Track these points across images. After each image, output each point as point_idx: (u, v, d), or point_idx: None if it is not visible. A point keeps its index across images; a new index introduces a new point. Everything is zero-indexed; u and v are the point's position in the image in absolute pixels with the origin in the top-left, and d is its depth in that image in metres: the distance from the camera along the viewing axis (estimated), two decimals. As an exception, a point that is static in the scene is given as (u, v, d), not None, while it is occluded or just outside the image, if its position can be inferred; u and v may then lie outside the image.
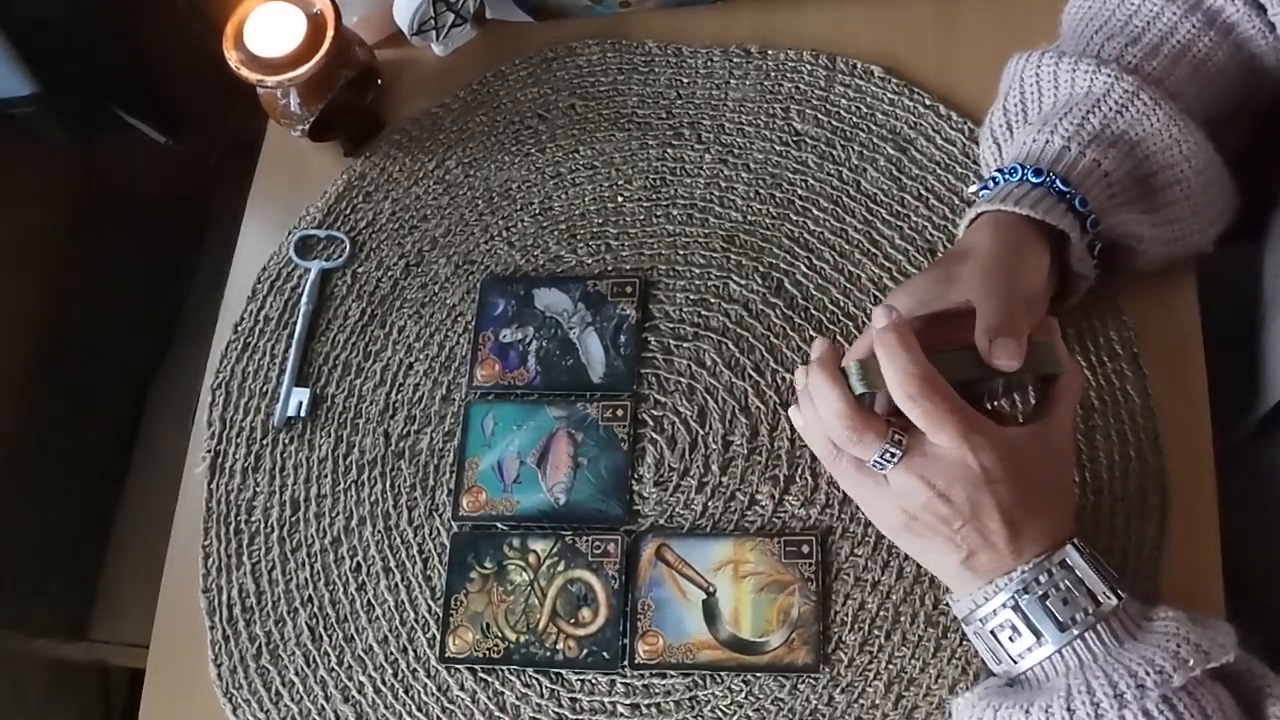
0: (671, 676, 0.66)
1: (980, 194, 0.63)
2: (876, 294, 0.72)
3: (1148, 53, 0.64)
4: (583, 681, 0.66)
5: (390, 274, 0.79)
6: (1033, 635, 0.53)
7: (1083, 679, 0.51)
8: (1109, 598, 0.53)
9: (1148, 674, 0.50)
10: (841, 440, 0.54)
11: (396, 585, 0.70)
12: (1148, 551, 0.64)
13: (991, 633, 0.55)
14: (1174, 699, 0.49)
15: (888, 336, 0.52)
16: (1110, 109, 0.62)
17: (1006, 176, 0.62)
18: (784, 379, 0.71)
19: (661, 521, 0.69)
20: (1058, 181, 0.60)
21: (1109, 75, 0.62)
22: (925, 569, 0.65)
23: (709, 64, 0.82)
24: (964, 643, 0.63)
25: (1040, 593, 0.53)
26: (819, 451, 0.57)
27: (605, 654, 0.66)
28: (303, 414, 0.75)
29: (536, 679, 0.67)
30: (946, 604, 0.64)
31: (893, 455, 0.53)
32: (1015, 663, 0.55)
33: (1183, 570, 0.63)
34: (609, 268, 0.77)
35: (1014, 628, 0.54)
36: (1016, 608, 0.54)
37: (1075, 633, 0.52)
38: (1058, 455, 0.56)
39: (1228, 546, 0.64)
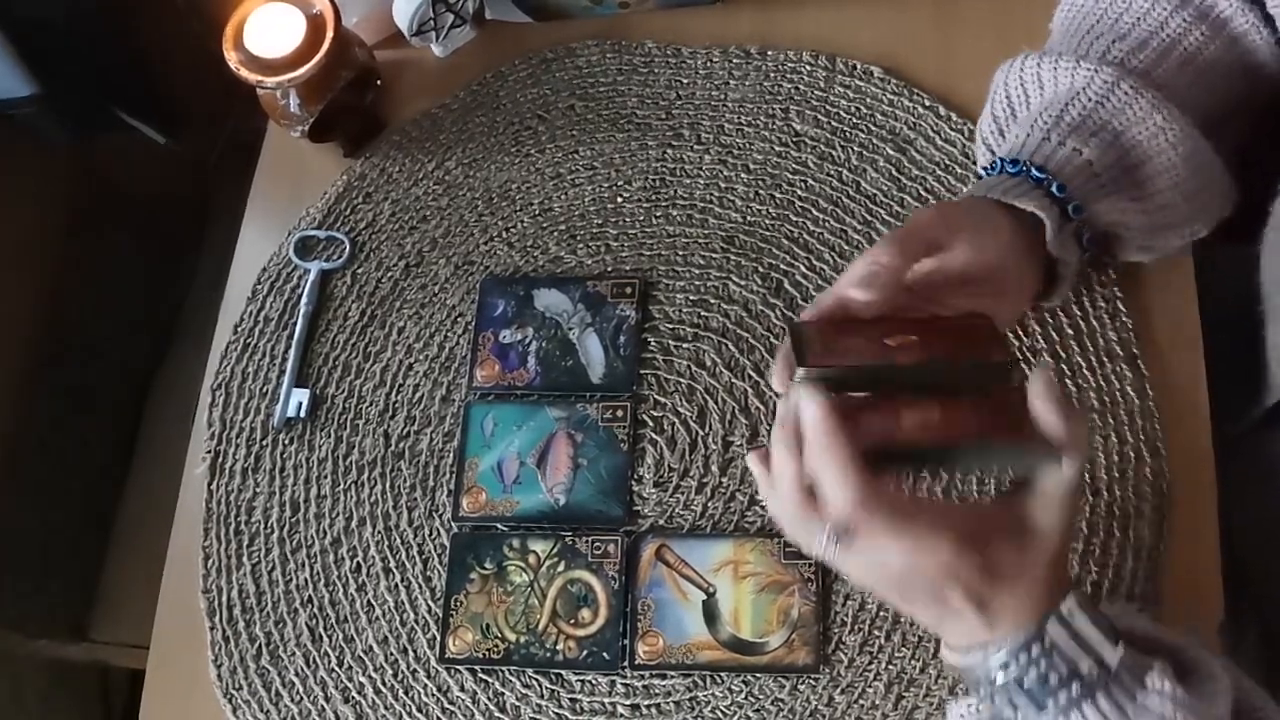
0: (671, 677, 0.66)
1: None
2: (847, 269, 0.71)
3: (1134, 47, 0.65)
4: (583, 682, 0.66)
5: (390, 275, 0.79)
6: (1011, 709, 0.51)
7: None
8: (1093, 672, 0.49)
9: None
10: (787, 516, 0.52)
11: (396, 586, 0.70)
12: (1147, 551, 0.64)
13: (975, 692, 0.52)
14: None
15: (818, 437, 0.49)
16: (1090, 100, 0.62)
17: (989, 172, 0.63)
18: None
19: (661, 522, 0.69)
20: (1034, 170, 0.61)
21: (1089, 69, 0.63)
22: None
23: (708, 65, 0.82)
24: (964, 643, 0.63)
25: (1017, 675, 0.50)
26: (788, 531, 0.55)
27: (605, 654, 0.66)
28: (303, 415, 0.75)
29: (536, 679, 0.67)
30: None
31: (834, 544, 0.50)
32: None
33: (1183, 570, 0.63)
34: (609, 268, 0.77)
35: (994, 698, 0.51)
36: (993, 683, 0.51)
37: (1055, 714, 0.49)
38: (1040, 538, 0.50)
39: (1226, 540, 0.64)
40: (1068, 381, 0.68)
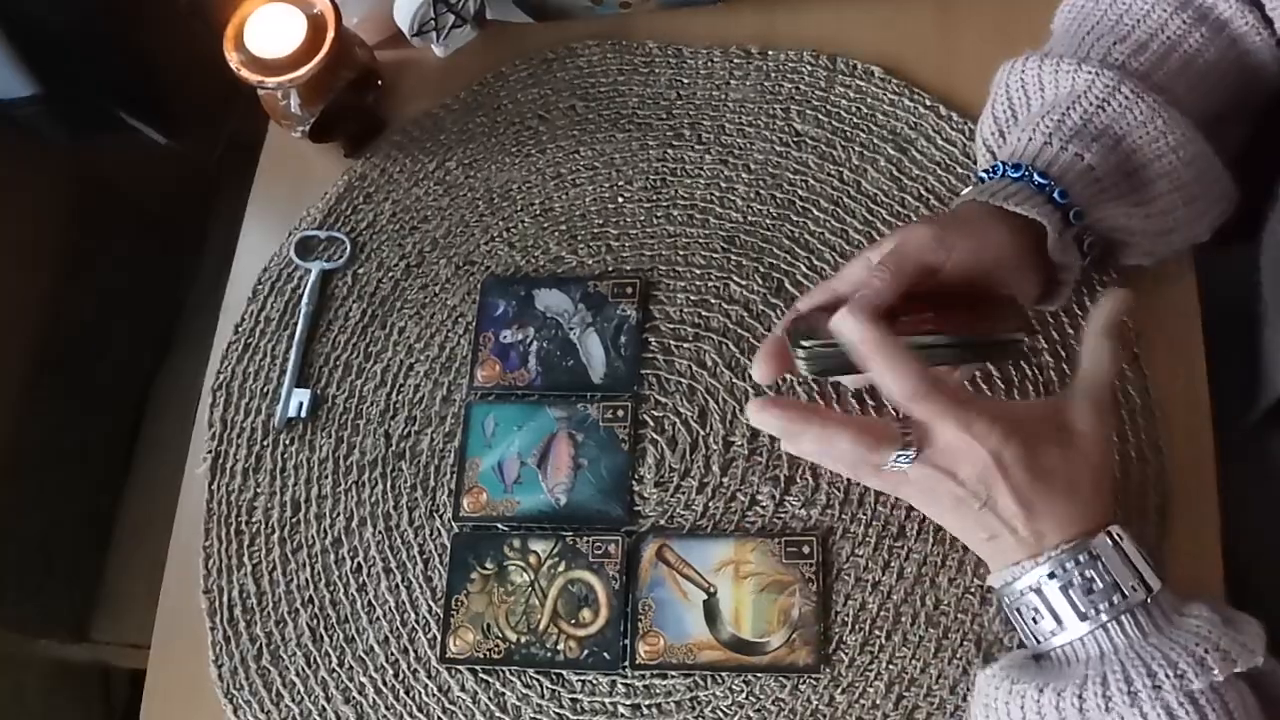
0: (672, 677, 0.66)
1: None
2: (842, 269, 0.71)
3: (1134, 49, 0.65)
4: (583, 682, 0.66)
5: (391, 275, 0.79)
6: (1054, 620, 0.54)
7: (1100, 670, 0.51)
8: (1135, 591, 0.53)
9: (1166, 675, 0.50)
10: (858, 459, 0.56)
11: (397, 586, 0.70)
12: (1148, 551, 0.64)
13: (1018, 610, 0.56)
14: (1198, 696, 0.50)
15: (872, 345, 0.53)
16: (1091, 104, 0.62)
17: (990, 175, 0.63)
18: (785, 379, 0.71)
19: (662, 522, 0.69)
20: (1036, 175, 0.61)
21: (1089, 72, 0.63)
22: (926, 569, 0.65)
23: (709, 65, 0.82)
24: (964, 643, 0.63)
25: (1063, 581, 0.53)
26: (839, 468, 0.59)
27: (606, 654, 0.66)
28: (303, 415, 0.75)
29: (537, 679, 0.67)
30: (948, 604, 0.64)
31: (906, 457, 0.55)
32: (1038, 642, 0.55)
33: (1184, 570, 0.63)
34: (609, 268, 0.77)
35: (1037, 610, 0.54)
36: (1039, 591, 0.54)
37: (1096, 624, 0.53)
38: (1079, 435, 0.55)
39: (1227, 540, 0.64)
40: (1069, 380, 0.68)
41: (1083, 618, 0.53)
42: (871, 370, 0.54)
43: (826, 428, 0.55)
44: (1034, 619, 0.55)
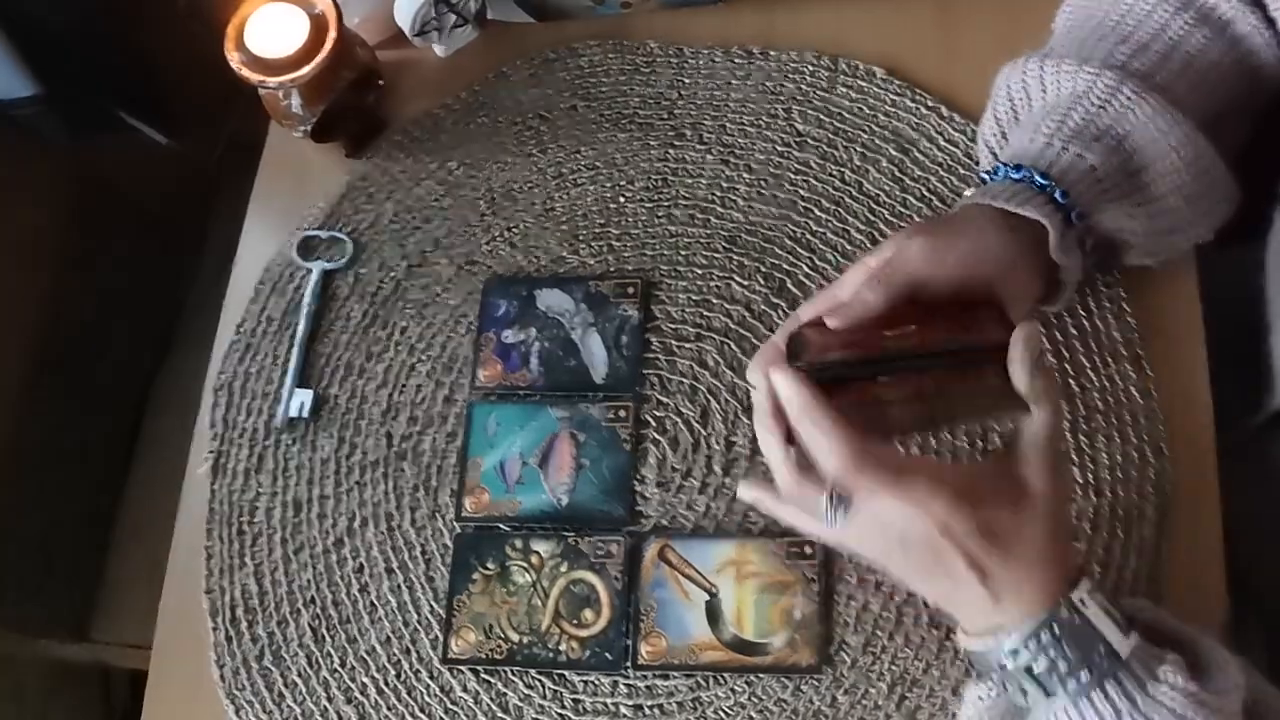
0: (674, 677, 0.66)
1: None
2: (836, 281, 0.71)
3: (1136, 50, 0.65)
4: (585, 683, 0.66)
5: (392, 275, 0.79)
6: (1023, 695, 0.52)
7: None
8: (1102, 661, 0.50)
9: None
10: (785, 495, 0.54)
11: (399, 586, 0.70)
12: (1150, 552, 0.64)
13: (990, 677, 0.53)
14: None
15: (800, 412, 0.51)
16: (1092, 105, 0.62)
17: (991, 177, 0.63)
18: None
19: (664, 522, 0.69)
20: (1037, 176, 0.61)
21: (1090, 73, 0.63)
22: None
23: (711, 65, 0.82)
24: (967, 644, 0.64)
25: (1026, 662, 0.50)
26: (782, 508, 0.57)
27: (608, 655, 0.66)
28: (305, 415, 0.75)
29: (539, 680, 0.67)
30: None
31: (835, 510, 0.52)
32: (1014, 704, 0.53)
33: (1186, 570, 0.64)
34: (611, 268, 0.77)
35: (1005, 685, 0.52)
36: (1004, 669, 0.51)
37: (1066, 700, 0.50)
38: (1031, 490, 0.52)
39: (1229, 541, 0.64)
40: (1071, 381, 0.68)
41: (1050, 695, 0.50)
42: (802, 438, 0.51)
43: (774, 434, 0.53)
44: (1005, 687, 0.52)
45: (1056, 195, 0.61)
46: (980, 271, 0.58)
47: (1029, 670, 0.50)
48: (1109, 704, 0.49)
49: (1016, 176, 0.62)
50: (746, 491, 0.58)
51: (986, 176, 0.64)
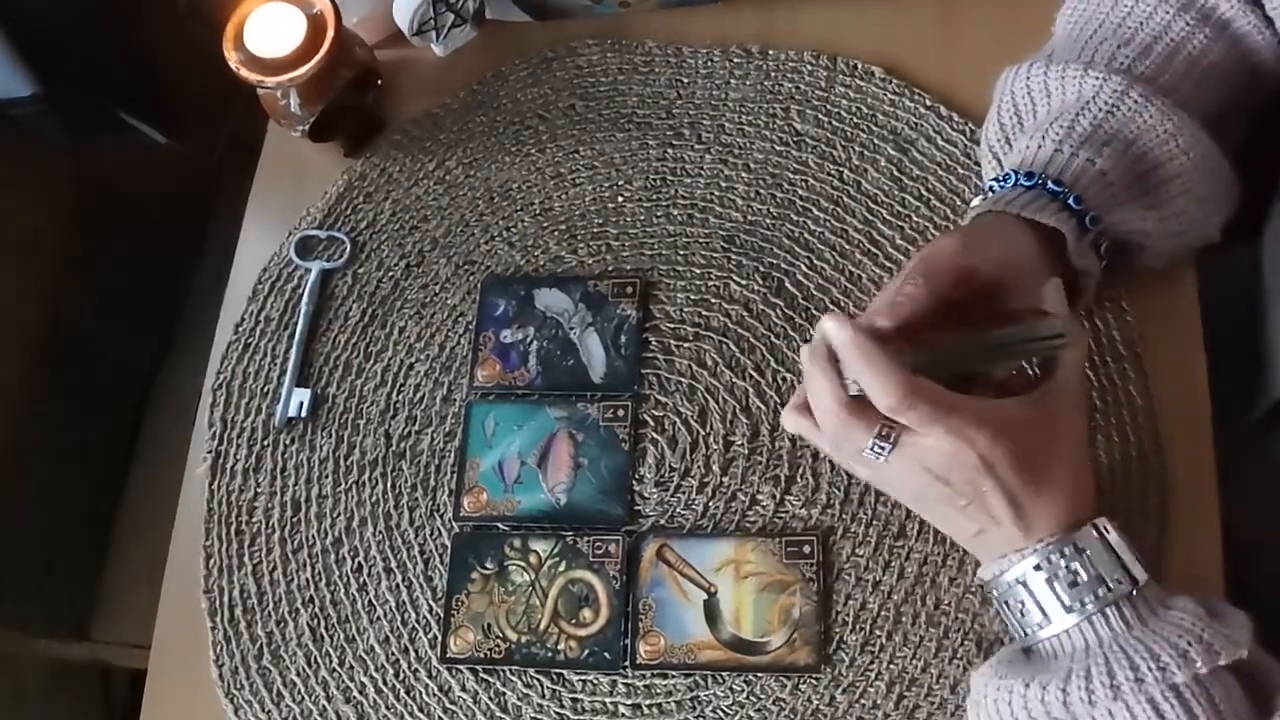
0: (673, 677, 0.66)
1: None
2: (877, 294, 0.72)
3: (1140, 53, 0.65)
4: (584, 682, 0.66)
5: (391, 274, 0.79)
6: (1040, 613, 0.54)
7: (1085, 663, 0.51)
8: (1121, 584, 0.53)
9: (1149, 668, 0.50)
10: (832, 433, 0.55)
11: (398, 586, 0.70)
12: (1149, 551, 0.64)
13: (1006, 603, 0.56)
14: (1182, 689, 0.50)
15: (852, 351, 0.52)
16: (1100, 110, 0.62)
17: (1001, 185, 0.63)
18: (785, 379, 0.71)
19: (662, 522, 0.69)
20: (1049, 183, 0.61)
21: (1096, 78, 0.63)
22: (927, 568, 0.65)
23: (709, 64, 0.82)
24: (965, 643, 0.63)
25: (1048, 574, 0.53)
26: (824, 439, 0.58)
27: (606, 654, 0.66)
28: (304, 414, 0.75)
29: (538, 679, 0.67)
30: (948, 604, 0.64)
31: (882, 448, 0.54)
32: (1026, 635, 0.55)
33: (1184, 568, 0.63)
34: (609, 268, 0.77)
35: (1024, 603, 0.55)
36: (1025, 584, 0.54)
37: (1081, 616, 0.53)
38: (1063, 425, 0.55)
39: (1228, 539, 0.64)
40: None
41: (1068, 610, 0.53)
42: (854, 376, 0.53)
43: (812, 374, 0.54)
44: (1021, 612, 0.55)
45: (1070, 201, 0.61)
46: (1014, 270, 0.58)
47: (1050, 581, 0.53)
48: (1122, 620, 0.52)
49: (1028, 184, 0.61)
50: (791, 420, 0.58)
51: (995, 185, 0.63)
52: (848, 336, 0.52)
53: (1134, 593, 0.53)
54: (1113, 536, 0.54)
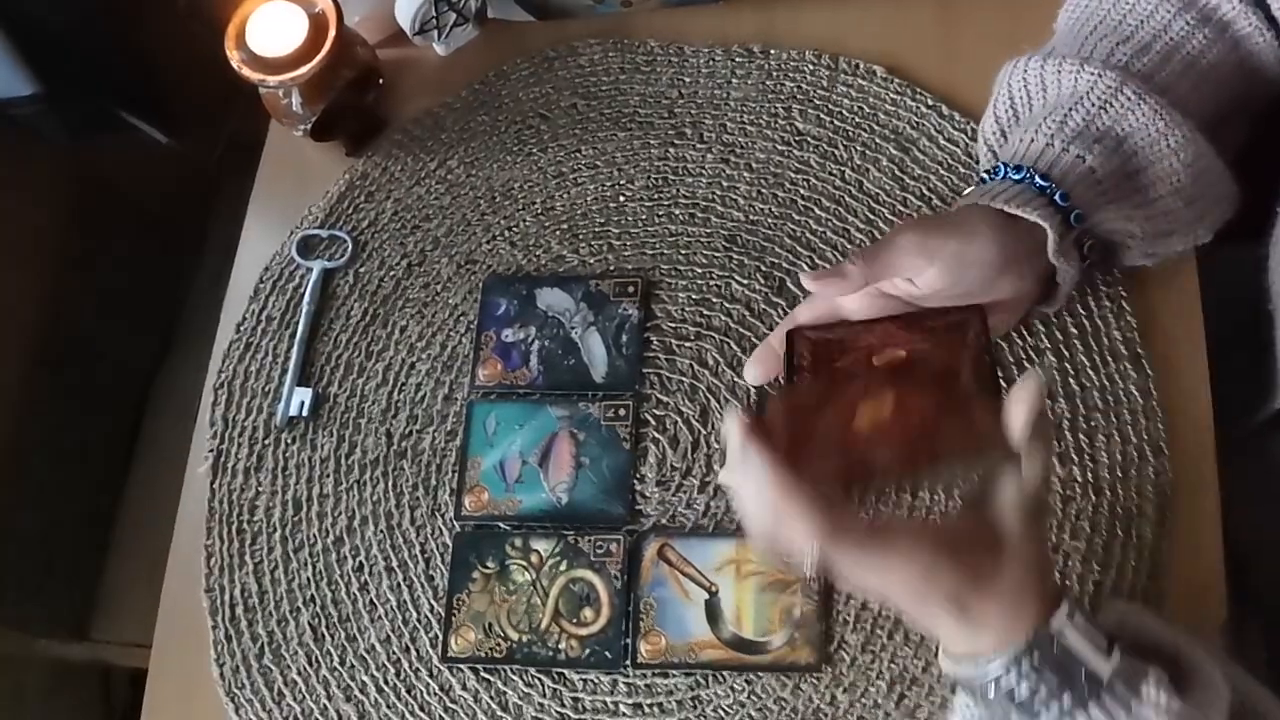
0: (674, 676, 0.66)
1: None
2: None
3: (1138, 50, 0.65)
4: (585, 681, 0.66)
5: (392, 274, 0.79)
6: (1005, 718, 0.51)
7: None
8: (1082, 686, 0.49)
9: None
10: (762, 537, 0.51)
11: (399, 585, 0.70)
12: (1150, 551, 0.64)
13: (968, 705, 0.53)
14: None
15: (781, 497, 0.48)
16: (1093, 105, 0.63)
17: (991, 177, 0.63)
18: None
19: (664, 521, 0.69)
20: (1037, 178, 0.61)
21: (1092, 73, 0.63)
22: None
23: (711, 64, 0.82)
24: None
25: (1005, 690, 0.50)
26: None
27: (608, 654, 0.66)
28: (305, 414, 0.75)
29: (539, 678, 0.67)
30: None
31: (810, 560, 0.49)
32: None
33: (1185, 569, 0.63)
34: (611, 267, 0.77)
35: (986, 708, 0.51)
36: (985, 697, 0.51)
37: None
38: (1008, 541, 0.50)
39: (1229, 540, 0.64)
40: (1071, 381, 0.68)
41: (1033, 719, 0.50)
42: (780, 512, 0.49)
43: (754, 467, 0.49)
44: (987, 710, 0.51)
45: (1056, 197, 0.61)
46: (966, 274, 0.58)
47: (1010, 695, 0.50)
48: None
49: (1017, 177, 0.62)
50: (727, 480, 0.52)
51: (986, 176, 0.64)
52: (768, 475, 0.48)
53: (1100, 694, 0.49)
54: (1070, 637, 0.49)
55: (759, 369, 0.64)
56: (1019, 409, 0.49)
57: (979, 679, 0.51)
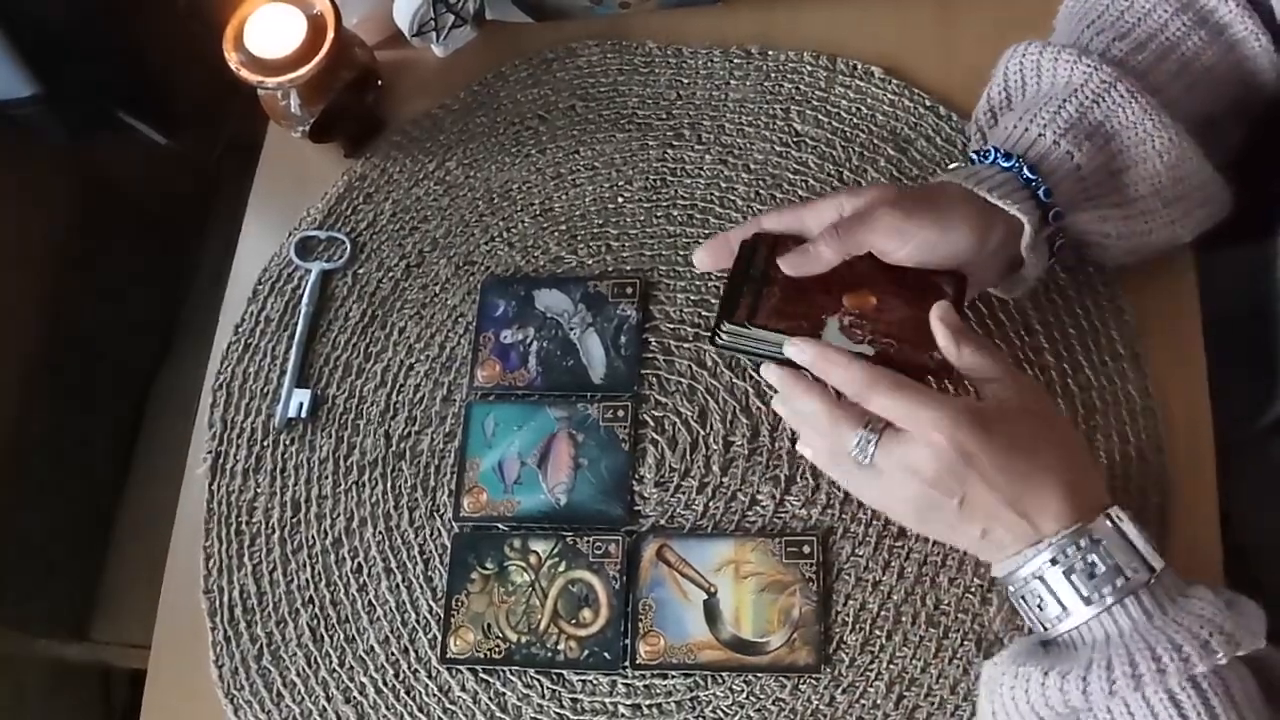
0: (673, 677, 0.66)
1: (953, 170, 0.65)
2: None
3: (1134, 47, 0.65)
4: (584, 682, 0.66)
5: (391, 275, 0.79)
6: (1059, 606, 0.54)
7: (1105, 654, 0.51)
8: (1138, 573, 0.53)
9: (1171, 659, 0.50)
10: (823, 435, 0.57)
11: (398, 586, 0.70)
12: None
13: (1023, 598, 0.56)
14: (1200, 680, 0.50)
15: (816, 357, 0.57)
16: (1086, 98, 0.63)
17: (980, 159, 0.64)
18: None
19: (662, 522, 0.69)
20: (1025, 169, 0.61)
21: (1089, 65, 0.63)
22: (926, 568, 0.65)
23: (709, 65, 0.82)
24: (965, 643, 0.64)
25: (1065, 567, 0.53)
26: (819, 457, 0.60)
27: (606, 654, 0.66)
28: (304, 415, 0.75)
29: (538, 679, 0.67)
30: (948, 604, 0.64)
31: (870, 439, 0.55)
32: (1045, 628, 0.55)
33: (1184, 570, 0.63)
34: (609, 268, 0.77)
35: (1041, 597, 0.54)
36: (1042, 578, 0.54)
37: (1100, 607, 0.53)
38: (1044, 412, 0.56)
39: (1227, 540, 0.64)
40: (1071, 381, 0.68)
41: (1087, 603, 0.53)
42: (824, 377, 0.57)
43: (810, 389, 0.57)
44: (1039, 606, 0.55)
45: (1040, 193, 0.61)
46: (936, 257, 0.60)
47: (1068, 573, 0.53)
48: (1142, 610, 0.52)
49: (1005, 165, 0.62)
50: (805, 449, 0.61)
51: (975, 157, 0.64)
52: (812, 355, 0.57)
53: (1152, 581, 0.53)
54: (1127, 525, 0.54)
55: (707, 256, 0.65)
56: (938, 331, 0.57)
57: (1035, 559, 0.54)
